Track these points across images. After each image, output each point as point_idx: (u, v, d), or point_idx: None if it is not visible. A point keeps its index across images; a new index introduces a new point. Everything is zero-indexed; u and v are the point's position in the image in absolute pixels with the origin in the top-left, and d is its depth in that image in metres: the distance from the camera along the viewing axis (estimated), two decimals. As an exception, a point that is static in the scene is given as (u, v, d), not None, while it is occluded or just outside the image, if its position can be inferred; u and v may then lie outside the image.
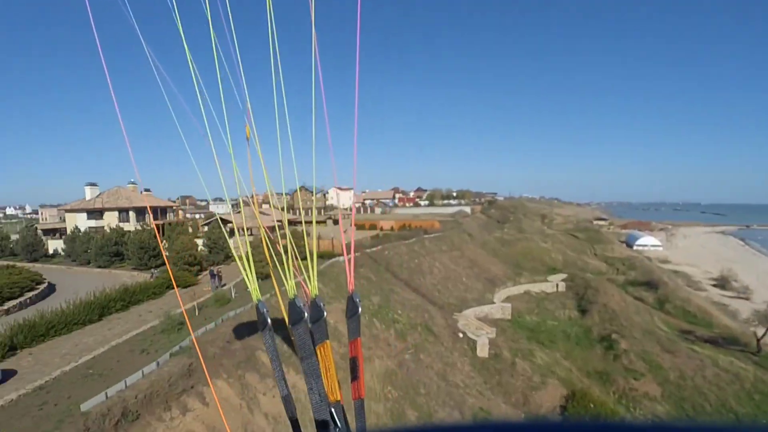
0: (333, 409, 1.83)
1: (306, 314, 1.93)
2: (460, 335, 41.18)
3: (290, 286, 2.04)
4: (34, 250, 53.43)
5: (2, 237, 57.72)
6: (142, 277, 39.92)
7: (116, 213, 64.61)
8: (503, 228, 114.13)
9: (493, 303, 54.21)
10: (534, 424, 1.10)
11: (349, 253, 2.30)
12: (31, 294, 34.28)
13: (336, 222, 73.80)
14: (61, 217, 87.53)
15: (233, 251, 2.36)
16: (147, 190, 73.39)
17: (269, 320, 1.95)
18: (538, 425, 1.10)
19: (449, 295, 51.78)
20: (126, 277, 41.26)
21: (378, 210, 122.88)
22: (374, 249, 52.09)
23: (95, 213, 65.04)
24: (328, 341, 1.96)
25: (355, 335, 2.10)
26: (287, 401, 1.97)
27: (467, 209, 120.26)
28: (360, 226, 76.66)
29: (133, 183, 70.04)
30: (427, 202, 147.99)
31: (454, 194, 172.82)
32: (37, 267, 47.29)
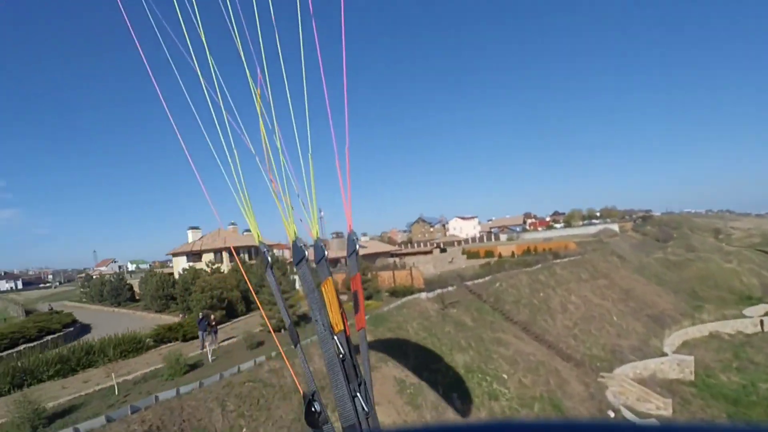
0: (337, 338, 1.87)
1: (307, 254, 2.00)
2: (611, 414, 25.35)
3: (292, 229, 2.07)
4: (118, 294, 51.54)
5: (101, 283, 57.24)
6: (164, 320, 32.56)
7: (212, 254, 60.58)
8: (666, 248, 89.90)
9: (664, 354, 36.33)
10: (534, 424, 1.14)
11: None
12: (49, 337, 29.56)
13: (443, 250, 61.16)
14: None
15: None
16: (247, 230, 69.07)
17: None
18: (538, 425, 1.12)
19: (592, 344, 35.46)
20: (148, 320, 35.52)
21: (503, 237, 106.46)
22: (479, 281, 38.34)
23: (194, 255, 61.87)
24: (330, 278, 1.96)
25: (355, 271, 2.08)
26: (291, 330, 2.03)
27: (614, 227, 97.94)
28: (473, 255, 62.61)
29: (233, 224, 66.76)
30: (562, 225, 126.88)
31: (598, 214, 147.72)
32: (111, 310, 48.60)
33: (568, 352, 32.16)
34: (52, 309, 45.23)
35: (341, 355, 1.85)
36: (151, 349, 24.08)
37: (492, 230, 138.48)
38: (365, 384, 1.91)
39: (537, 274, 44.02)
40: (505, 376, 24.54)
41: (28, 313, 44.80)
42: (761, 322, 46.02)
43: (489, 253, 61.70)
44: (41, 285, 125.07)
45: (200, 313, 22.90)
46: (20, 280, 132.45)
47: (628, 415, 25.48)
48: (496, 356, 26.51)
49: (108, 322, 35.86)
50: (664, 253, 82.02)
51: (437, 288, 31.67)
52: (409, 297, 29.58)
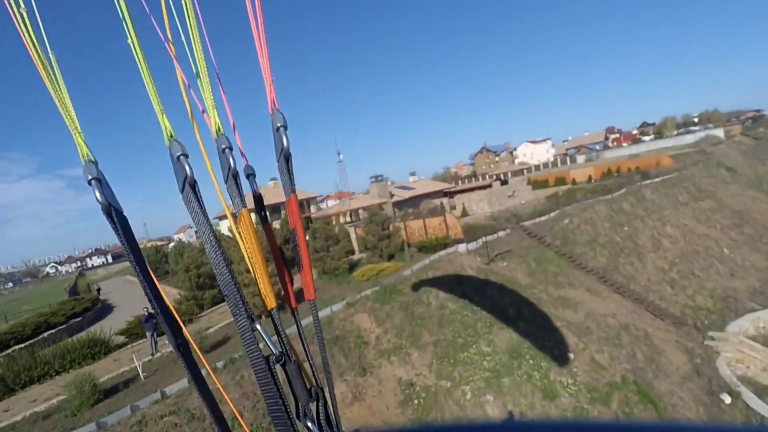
0: (258, 327, 1.19)
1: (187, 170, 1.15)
2: (726, 399, 17.79)
3: (165, 122, 1.17)
4: (157, 268, 48.95)
5: (146, 255, 55.76)
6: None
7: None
8: (787, 152, 73.66)
9: (801, 298, 27.05)
10: (534, 424, 1.10)
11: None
12: (47, 332, 25.72)
13: (504, 182, 52.16)
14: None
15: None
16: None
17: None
18: (538, 425, 1.07)
19: (696, 291, 26.98)
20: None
21: (581, 158, 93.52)
22: (541, 219, 30.48)
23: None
24: (245, 209, 1.29)
25: (289, 191, 1.37)
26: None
27: (719, 133, 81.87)
28: (540, 184, 53.04)
29: (274, 179, 61.04)
30: (653, 136, 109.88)
31: (696, 120, 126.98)
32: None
33: (663, 306, 24.23)
34: (99, 290, 43.74)
35: (276, 358, 1.14)
36: (119, 349, 19.96)
37: (568, 152, 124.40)
38: (324, 398, 1.22)
39: (620, 201, 34.98)
40: (571, 355, 17.70)
41: (73, 294, 43.34)
42: None
43: (560, 180, 51.94)
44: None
45: (145, 310, 17.86)
46: (110, 254, 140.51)
47: (753, 401, 17.78)
48: (559, 324, 19.55)
49: (136, 301, 33.12)
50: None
51: (482, 235, 24.63)
52: (442, 252, 22.95)
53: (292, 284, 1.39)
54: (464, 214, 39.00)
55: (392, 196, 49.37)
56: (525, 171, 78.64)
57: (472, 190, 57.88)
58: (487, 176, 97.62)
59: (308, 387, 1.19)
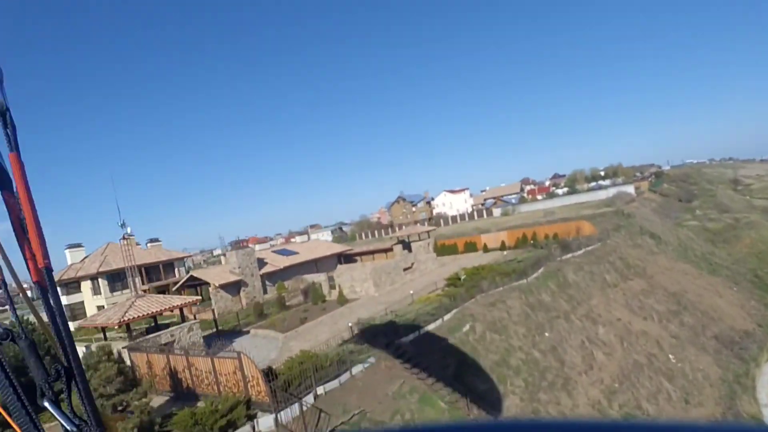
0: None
1: None
2: None
3: None
4: None
5: None
6: None
7: (89, 282, 42.29)
8: (693, 210, 71.48)
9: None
10: (535, 423, 1.05)
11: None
12: None
13: (407, 246, 42.45)
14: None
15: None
16: (154, 240, 50.96)
17: None
18: (538, 425, 1.01)
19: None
20: None
21: (497, 211, 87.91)
22: (429, 327, 20.53)
23: (71, 285, 43.43)
24: None
25: (13, 149, 1.05)
26: None
27: (629, 189, 79.18)
28: (447, 250, 44.32)
29: (127, 237, 43.59)
30: (566, 190, 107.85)
31: (602, 173, 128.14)
32: None
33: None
34: None
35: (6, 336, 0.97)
36: None
37: (485, 203, 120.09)
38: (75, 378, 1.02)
39: (538, 289, 26.10)
40: None
41: None
42: None
43: (470, 246, 43.56)
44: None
45: None
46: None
47: None
48: None
49: None
50: (696, 218, 63.78)
51: (320, 378, 14.11)
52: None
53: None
54: (341, 299, 28.77)
55: (264, 265, 38.07)
56: (443, 219, 70.70)
57: (371, 253, 47.85)
58: (402, 226, 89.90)
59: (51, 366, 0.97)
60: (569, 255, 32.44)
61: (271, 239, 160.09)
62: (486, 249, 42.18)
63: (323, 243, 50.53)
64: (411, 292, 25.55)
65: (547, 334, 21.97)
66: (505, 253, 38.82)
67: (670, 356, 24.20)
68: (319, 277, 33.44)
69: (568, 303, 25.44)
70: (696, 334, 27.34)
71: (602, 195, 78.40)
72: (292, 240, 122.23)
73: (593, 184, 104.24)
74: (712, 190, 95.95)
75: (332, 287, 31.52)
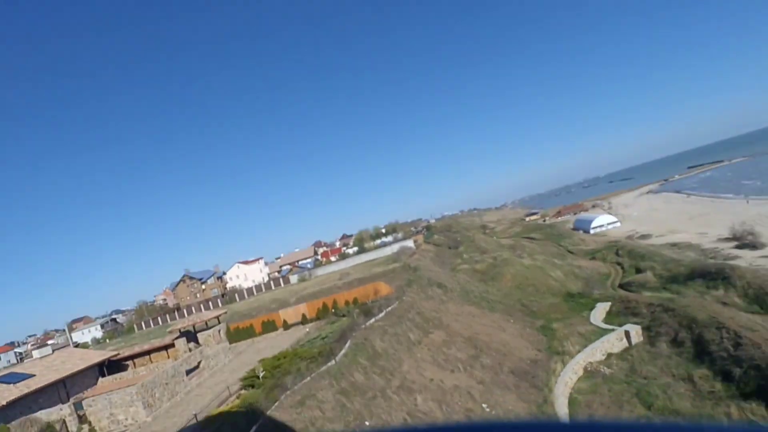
0: None
1: None
2: None
3: None
4: None
5: None
6: None
7: None
8: (462, 254, 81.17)
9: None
10: (535, 423, 1.12)
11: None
12: None
13: (192, 337, 34.71)
14: None
15: None
16: None
17: None
18: (539, 425, 1.09)
19: None
20: None
21: (294, 278, 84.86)
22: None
23: None
24: None
25: None
26: None
27: (409, 243, 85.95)
28: (241, 334, 38.56)
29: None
30: (356, 249, 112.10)
31: (383, 231, 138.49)
32: None
33: None
34: None
35: None
36: None
37: (282, 270, 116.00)
38: None
39: (349, 368, 23.13)
40: None
41: None
42: (626, 334, 34.38)
43: (269, 325, 38.71)
44: None
45: None
46: None
47: None
48: None
49: None
50: (466, 261, 72.12)
51: None
52: None
53: None
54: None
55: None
56: (238, 293, 63.11)
57: (147, 354, 38.39)
58: (193, 308, 78.84)
59: None
60: (372, 320, 30.86)
61: (20, 345, 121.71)
62: (286, 326, 38.02)
63: (77, 352, 38.35)
64: (194, 413, 19.46)
65: (367, 423, 18.93)
66: (307, 329, 35.32)
67: (484, 406, 23.79)
68: (62, 411, 23.83)
69: (381, 376, 23.15)
70: (496, 374, 28.06)
71: (388, 251, 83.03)
72: (49, 342, 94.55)
73: (378, 241, 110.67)
74: (470, 236, 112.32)
75: (82, 422, 22.67)
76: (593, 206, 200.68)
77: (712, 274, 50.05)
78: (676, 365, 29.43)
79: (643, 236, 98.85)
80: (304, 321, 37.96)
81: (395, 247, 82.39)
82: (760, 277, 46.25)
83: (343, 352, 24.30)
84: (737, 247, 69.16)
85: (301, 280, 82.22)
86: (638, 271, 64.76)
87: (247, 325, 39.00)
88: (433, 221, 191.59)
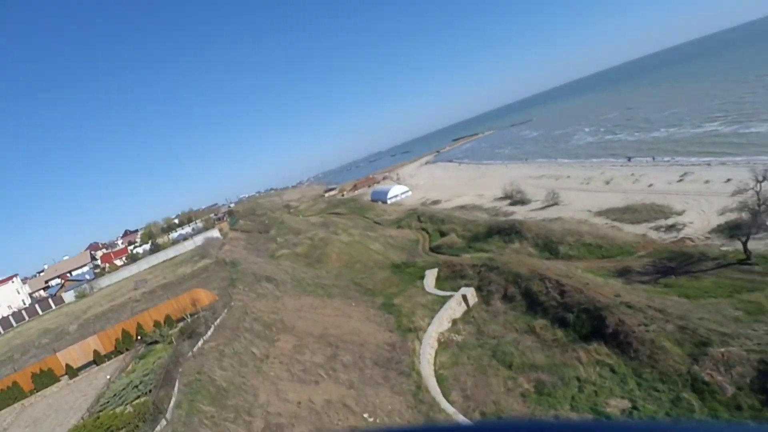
0: None
1: None
2: None
3: None
4: None
5: None
6: None
7: None
8: (275, 238, 75.15)
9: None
10: (535, 424, 1.09)
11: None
12: None
13: None
14: None
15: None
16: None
17: None
18: (539, 425, 1.07)
19: None
20: None
21: (70, 295, 66.07)
22: None
23: None
24: None
25: None
26: None
27: (214, 233, 75.56)
28: (4, 397, 26.18)
29: None
30: (147, 247, 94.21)
31: (176, 222, 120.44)
32: None
33: None
34: None
35: None
36: None
37: (50, 287, 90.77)
38: None
39: (189, 428, 16.26)
40: None
41: None
42: (464, 297, 34.85)
43: (46, 377, 25.99)
44: None
45: None
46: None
47: None
48: None
49: None
50: (282, 245, 66.66)
51: None
52: None
53: None
54: None
55: None
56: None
57: None
58: None
59: None
60: (200, 342, 23.65)
61: None
62: (73, 372, 26.96)
63: None
64: None
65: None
66: (107, 376, 25.25)
67: (366, 416, 19.97)
68: None
69: (238, 422, 16.99)
70: (361, 370, 24.55)
71: (190, 245, 71.34)
72: None
73: (175, 234, 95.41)
74: (278, 217, 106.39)
75: None
76: (384, 178, 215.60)
77: (506, 230, 56.37)
78: (515, 319, 30.75)
79: (435, 202, 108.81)
80: (99, 360, 27.40)
81: (198, 240, 71.30)
82: (543, 228, 53.86)
83: (173, 402, 17.12)
84: (511, 204, 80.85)
85: (81, 296, 64.37)
86: (442, 234, 69.75)
87: (7, 384, 26.03)
88: (232, 205, 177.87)
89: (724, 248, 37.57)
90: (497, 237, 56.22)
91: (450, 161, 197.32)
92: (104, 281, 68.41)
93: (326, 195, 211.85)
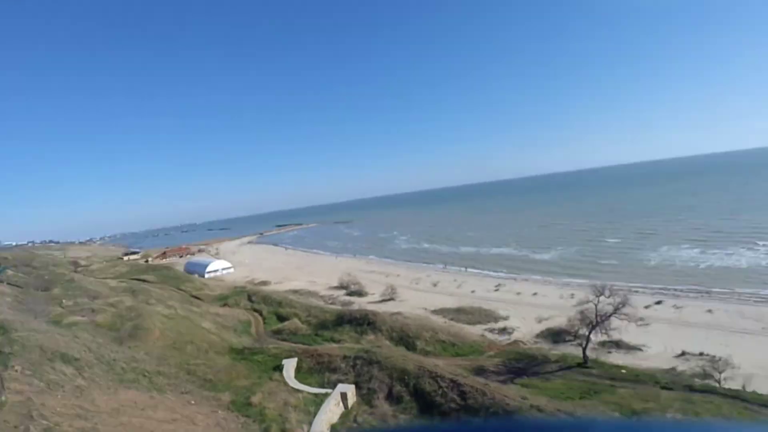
0: None
1: None
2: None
3: None
4: None
5: None
6: None
7: None
8: (60, 300, 54.84)
9: None
10: (535, 424, 1.12)
11: None
12: None
13: None
14: None
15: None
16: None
17: None
18: (540, 425, 1.09)
19: None
20: None
21: None
22: None
23: None
24: None
25: None
26: None
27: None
28: None
29: None
30: None
31: None
32: None
33: None
34: None
35: None
36: None
37: None
38: None
39: None
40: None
41: None
42: (342, 396, 27.46)
43: None
44: None
45: None
46: None
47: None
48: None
49: None
50: (73, 310, 48.35)
51: None
52: None
53: None
54: None
55: None
56: None
57: None
58: None
59: None
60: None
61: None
62: None
63: None
64: None
65: None
66: None
67: None
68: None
69: None
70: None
71: None
72: None
73: None
74: (65, 274, 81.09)
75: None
76: (199, 250, 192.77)
77: (357, 320, 51.47)
78: (409, 425, 24.98)
79: (263, 282, 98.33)
80: None
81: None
82: (397, 321, 50.68)
83: None
84: (348, 294, 77.15)
85: None
86: (280, 317, 60.96)
87: None
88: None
89: (554, 352, 39.80)
90: (348, 326, 50.87)
91: (275, 245, 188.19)
92: None
93: (125, 258, 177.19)
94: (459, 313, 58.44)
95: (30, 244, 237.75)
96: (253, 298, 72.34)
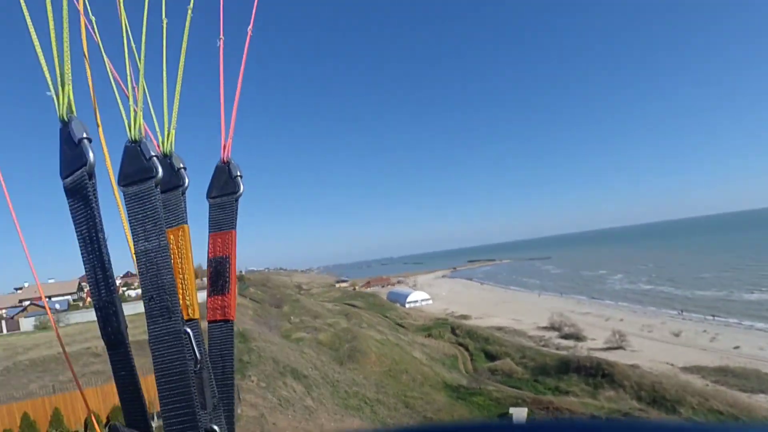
0: (191, 333, 0.92)
1: (159, 170, 0.89)
2: None
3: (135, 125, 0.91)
4: None
5: None
6: None
7: None
8: (289, 317, 60.54)
9: None
10: (535, 424, 1.12)
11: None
12: None
13: None
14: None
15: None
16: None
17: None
18: (539, 425, 1.11)
19: None
20: None
21: (29, 322, 51.06)
22: None
23: None
24: (186, 225, 1.02)
25: (230, 225, 1.14)
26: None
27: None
28: None
29: None
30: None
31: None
32: None
33: None
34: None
35: (196, 364, 0.92)
36: None
37: (23, 307, 74.59)
38: (226, 408, 1.02)
39: None
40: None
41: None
42: None
43: None
44: None
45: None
46: None
47: None
48: None
49: None
50: (298, 326, 52.06)
51: None
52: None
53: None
54: None
55: None
56: None
57: None
58: None
59: (215, 397, 0.97)
60: None
61: None
62: None
63: None
64: None
65: None
66: None
67: None
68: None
69: None
70: None
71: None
72: None
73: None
74: (292, 294, 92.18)
75: None
76: (398, 282, 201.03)
77: (588, 369, 41.47)
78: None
79: (463, 316, 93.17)
80: None
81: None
82: (644, 377, 39.16)
83: None
84: (561, 337, 65.96)
85: (41, 327, 50.12)
86: (488, 355, 54.60)
87: None
88: (244, 272, 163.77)
89: None
90: (576, 376, 41.19)
91: (470, 279, 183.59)
92: (76, 316, 53.05)
93: (337, 285, 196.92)
94: (724, 375, 42.76)
95: (266, 270, 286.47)
96: (457, 332, 67.74)
